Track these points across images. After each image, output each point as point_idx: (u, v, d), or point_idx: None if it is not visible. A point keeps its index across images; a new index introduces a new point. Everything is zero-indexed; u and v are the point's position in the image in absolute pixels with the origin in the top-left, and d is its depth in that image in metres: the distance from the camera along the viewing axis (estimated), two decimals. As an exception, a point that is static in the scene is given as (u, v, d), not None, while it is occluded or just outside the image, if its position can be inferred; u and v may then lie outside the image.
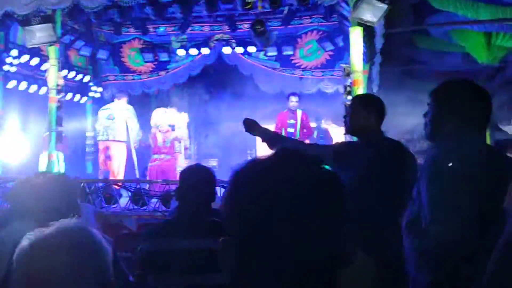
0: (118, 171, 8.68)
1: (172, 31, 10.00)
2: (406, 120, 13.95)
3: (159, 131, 8.72)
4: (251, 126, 2.88)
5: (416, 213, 2.04)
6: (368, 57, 7.75)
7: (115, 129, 8.75)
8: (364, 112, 2.75)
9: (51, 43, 6.57)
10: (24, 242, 1.15)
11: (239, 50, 10.24)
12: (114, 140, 8.72)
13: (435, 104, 2.17)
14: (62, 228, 1.18)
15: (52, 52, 6.73)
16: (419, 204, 2.02)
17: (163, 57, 10.40)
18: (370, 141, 2.74)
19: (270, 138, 2.88)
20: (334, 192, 0.83)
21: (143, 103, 11.61)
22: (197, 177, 2.56)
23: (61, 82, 6.79)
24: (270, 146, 2.83)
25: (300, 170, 0.83)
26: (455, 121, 2.06)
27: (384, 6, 5.47)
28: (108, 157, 8.61)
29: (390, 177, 2.52)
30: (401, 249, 2.14)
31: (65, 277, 1.11)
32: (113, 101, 9.62)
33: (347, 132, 2.86)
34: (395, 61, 10.47)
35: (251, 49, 10.02)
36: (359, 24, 5.79)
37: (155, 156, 8.64)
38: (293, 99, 8.80)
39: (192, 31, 10.05)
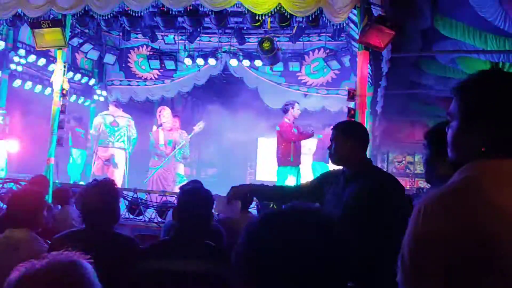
0: (121, 179, 8.69)
1: (181, 40, 10.04)
2: (408, 143, 14.04)
3: (162, 129, 8.69)
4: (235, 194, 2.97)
5: None
6: (374, 79, 7.76)
7: (118, 136, 8.75)
8: (347, 141, 2.66)
9: (60, 47, 6.60)
10: (13, 276, 1.14)
11: (246, 63, 10.27)
12: (118, 147, 8.71)
13: (429, 146, 2.14)
14: (53, 262, 1.17)
15: (60, 56, 6.76)
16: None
17: (170, 65, 10.43)
18: (358, 173, 2.65)
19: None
20: (340, 249, 0.92)
21: (146, 110, 11.67)
22: (194, 199, 2.56)
23: (66, 86, 6.80)
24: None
25: (310, 230, 0.91)
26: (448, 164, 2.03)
27: (392, 33, 5.48)
28: (108, 164, 8.56)
29: (370, 215, 2.45)
30: None
31: None
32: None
33: (333, 162, 2.76)
34: (400, 84, 10.48)
35: (258, 63, 10.04)
36: (366, 49, 5.80)
37: (155, 159, 8.59)
38: (298, 106, 8.18)
39: (200, 41, 10.10)
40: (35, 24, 6.41)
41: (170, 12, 6.97)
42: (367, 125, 7.87)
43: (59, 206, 5.39)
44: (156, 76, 11.06)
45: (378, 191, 2.48)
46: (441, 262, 1.12)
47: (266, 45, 7.71)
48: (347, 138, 2.68)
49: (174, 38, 10.03)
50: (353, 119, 5.86)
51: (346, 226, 2.39)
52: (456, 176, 1.26)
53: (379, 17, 5.53)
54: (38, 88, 9.60)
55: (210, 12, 6.73)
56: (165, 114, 8.95)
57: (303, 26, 8.67)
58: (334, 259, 0.89)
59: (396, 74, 9.55)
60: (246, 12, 6.70)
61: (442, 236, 1.12)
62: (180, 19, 8.00)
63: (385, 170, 14.15)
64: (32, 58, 9.13)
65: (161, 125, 8.86)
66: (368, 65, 6.56)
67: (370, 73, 7.20)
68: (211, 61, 10.23)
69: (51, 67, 9.23)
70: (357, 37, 6.16)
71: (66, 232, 2.55)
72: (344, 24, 7.73)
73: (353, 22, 7.52)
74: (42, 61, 9.32)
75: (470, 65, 8.89)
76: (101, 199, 2.54)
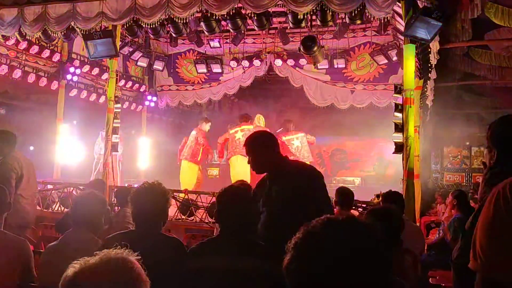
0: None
1: (225, 43, 10.20)
2: (463, 136, 13.49)
3: None
4: None
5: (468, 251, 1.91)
6: (422, 72, 7.54)
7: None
8: (260, 151, 2.91)
9: (111, 57, 6.89)
10: (69, 271, 1.21)
11: (290, 62, 10.31)
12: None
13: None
14: (105, 258, 1.24)
15: (111, 65, 7.05)
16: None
17: (216, 68, 10.62)
18: (278, 171, 2.87)
19: None
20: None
21: (195, 113, 11.94)
22: (231, 199, 2.60)
23: (119, 93, 7.09)
24: None
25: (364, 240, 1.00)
26: None
27: (438, 24, 5.31)
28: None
29: (307, 197, 2.72)
30: None
31: None
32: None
33: (257, 172, 2.99)
34: (451, 75, 10.13)
35: (303, 61, 10.03)
36: (412, 42, 5.65)
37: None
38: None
39: (244, 43, 10.21)
40: (88, 35, 6.73)
41: (214, 16, 7.09)
42: (417, 119, 7.67)
43: (116, 208, 5.61)
44: (203, 80, 11.31)
45: (305, 176, 2.83)
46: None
47: (309, 44, 7.66)
48: (258, 148, 2.92)
49: (219, 41, 10.20)
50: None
51: (288, 215, 2.57)
52: None
53: (425, 8, 5.38)
54: (93, 96, 10.06)
55: (252, 14, 6.79)
56: None
57: (347, 22, 8.55)
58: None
59: (446, 66, 9.24)
60: (288, 11, 6.71)
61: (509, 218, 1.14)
62: (224, 22, 8.14)
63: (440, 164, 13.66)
64: (86, 68, 9.59)
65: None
66: (416, 58, 6.39)
67: (418, 66, 6.99)
68: (256, 63, 10.34)
69: (105, 76, 9.67)
70: (403, 30, 6.02)
71: (117, 233, 2.66)
72: (389, 18, 7.59)
73: (398, 15, 7.35)
74: (95, 71, 9.76)
75: (526, 52, 8.46)
76: (150, 201, 2.63)
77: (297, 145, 9.17)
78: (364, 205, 5.90)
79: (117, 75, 7.39)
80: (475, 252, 1.24)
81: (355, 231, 1.00)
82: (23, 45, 8.23)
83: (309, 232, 1.01)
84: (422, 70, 7.39)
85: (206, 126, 9.50)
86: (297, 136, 9.28)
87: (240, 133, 8.94)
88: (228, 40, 10.03)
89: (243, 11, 7.02)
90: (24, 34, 7.33)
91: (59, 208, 7.15)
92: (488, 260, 1.21)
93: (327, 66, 10.01)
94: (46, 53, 8.79)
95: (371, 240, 0.99)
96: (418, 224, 6.21)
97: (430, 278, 4.19)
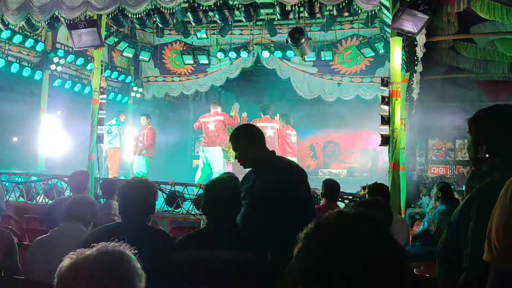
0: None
1: (212, 34, 10.13)
2: (447, 129, 13.63)
3: None
4: None
5: (453, 243, 1.88)
6: (408, 65, 7.58)
7: (110, 138, 9.73)
8: (247, 146, 2.91)
9: (96, 47, 6.79)
10: (66, 261, 1.21)
11: (278, 54, 10.28)
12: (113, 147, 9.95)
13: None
14: (102, 251, 1.24)
15: (96, 55, 6.95)
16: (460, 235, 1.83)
17: (203, 59, 10.55)
18: (263, 167, 2.88)
19: None
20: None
21: (182, 104, 11.84)
22: (219, 190, 2.59)
23: (104, 84, 6.99)
24: None
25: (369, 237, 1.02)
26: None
27: (425, 17, 5.33)
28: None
29: (284, 195, 2.71)
30: None
31: None
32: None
33: (244, 167, 3.01)
34: (437, 69, 10.21)
35: (290, 53, 10.02)
36: (399, 34, 5.67)
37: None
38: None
39: (232, 35, 10.16)
40: (72, 25, 6.61)
41: (201, 7, 7.03)
42: (403, 112, 7.72)
43: (101, 200, 5.56)
44: (190, 71, 11.22)
45: (284, 177, 2.80)
46: None
47: (296, 36, 7.63)
48: (244, 143, 2.94)
49: (206, 32, 10.12)
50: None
51: (265, 212, 2.64)
52: None
53: (412, 1, 5.40)
54: (78, 87, 9.93)
55: (240, 5, 6.75)
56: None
57: (335, 14, 8.55)
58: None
59: (432, 59, 9.30)
60: (276, 3, 6.68)
61: None
62: (211, 13, 8.07)
63: (424, 157, 13.78)
64: (70, 58, 9.44)
65: None
66: (402, 51, 6.42)
67: (405, 59, 7.03)
68: (243, 54, 10.29)
69: (89, 66, 9.54)
70: (390, 23, 6.03)
71: (103, 226, 2.65)
72: (377, 10, 7.60)
73: (386, 7, 7.36)
74: (80, 61, 9.62)
75: (510, 46, 8.55)
76: (138, 195, 2.62)
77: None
78: (351, 197, 5.94)
79: (102, 66, 7.28)
80: (490, 243, 1.25)
81: (367, 227, 1.03)
82: (6, 34, 8.07)
83: (322, 223, 1.04)
84: (409, 63, 7.43)
85: (220, 109, 9.47)
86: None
87: (271, 131, 8.88)
88: (215, 31, 9.97)
89: (231, 2, 6.98)
90: (6, 23, 7.17)
91: (43, 200, 7.06)
92: (504, 250, 1.23)
93: (314, 59, 10.02)
94: (30, 42, 8.63)
95: (382, 237, 1.03)
96: (403, 215, 6.28)
97: (415, 269, 4.23)
